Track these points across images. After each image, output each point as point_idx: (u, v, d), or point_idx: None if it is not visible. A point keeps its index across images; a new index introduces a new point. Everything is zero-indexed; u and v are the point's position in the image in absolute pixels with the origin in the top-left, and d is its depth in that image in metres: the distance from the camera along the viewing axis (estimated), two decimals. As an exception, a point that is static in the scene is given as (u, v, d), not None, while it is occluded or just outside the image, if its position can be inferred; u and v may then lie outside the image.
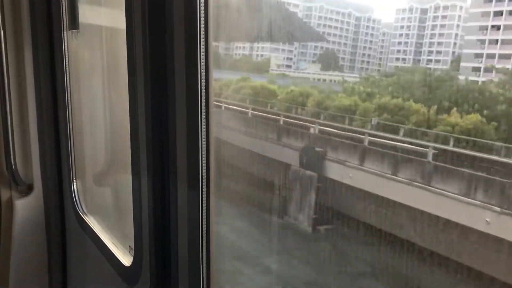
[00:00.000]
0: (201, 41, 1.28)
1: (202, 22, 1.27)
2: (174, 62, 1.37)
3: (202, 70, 1.30)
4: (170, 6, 1.34)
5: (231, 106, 12.80)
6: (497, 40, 9.39)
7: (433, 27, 11.94)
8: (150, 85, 1.41)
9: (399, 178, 8.53)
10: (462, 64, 10.55)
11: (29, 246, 2.61)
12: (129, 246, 1.81)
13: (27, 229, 2.59)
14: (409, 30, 12.45)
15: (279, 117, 11.89)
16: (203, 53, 1.29)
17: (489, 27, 9.50)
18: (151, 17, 1.38)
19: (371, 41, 13.89)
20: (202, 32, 1.27)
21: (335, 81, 13.55)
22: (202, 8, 1.27)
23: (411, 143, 9.20)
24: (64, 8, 2.29)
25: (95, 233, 2.24)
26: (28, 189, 2.55)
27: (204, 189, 1.30)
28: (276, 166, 10.35)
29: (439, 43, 11.67)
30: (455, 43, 11.29)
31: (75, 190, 2.49)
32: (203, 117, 1.30)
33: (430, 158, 8.37)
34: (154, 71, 1.41)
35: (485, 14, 9.68)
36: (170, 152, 1.43)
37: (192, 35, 1.29)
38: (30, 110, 2.45)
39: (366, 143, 9.62)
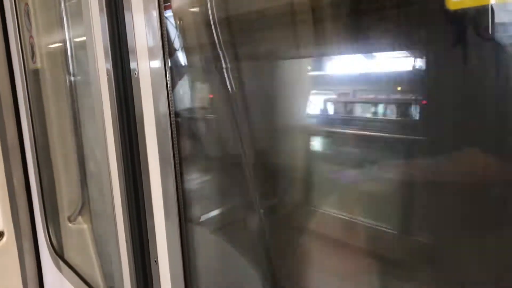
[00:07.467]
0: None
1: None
2: None
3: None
4: None
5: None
6: None
7: None
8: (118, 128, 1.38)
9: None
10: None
11: None
12: (111, 287, 1.76)
13: (3, 276, 2.50)
14: None
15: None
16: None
17: None
18: None
19: None
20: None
21: None
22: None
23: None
24: (23, 46, 2.23)
25: (73, 274, 2.16)
26: None
27: (183, 222, 1.27)
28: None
29: None
30: None
31: (49, 231, 2.41)
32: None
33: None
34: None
35: None
36: (145, 188, 1.40)
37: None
38: None
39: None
